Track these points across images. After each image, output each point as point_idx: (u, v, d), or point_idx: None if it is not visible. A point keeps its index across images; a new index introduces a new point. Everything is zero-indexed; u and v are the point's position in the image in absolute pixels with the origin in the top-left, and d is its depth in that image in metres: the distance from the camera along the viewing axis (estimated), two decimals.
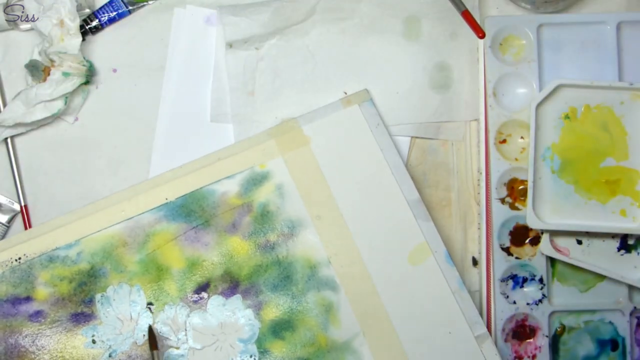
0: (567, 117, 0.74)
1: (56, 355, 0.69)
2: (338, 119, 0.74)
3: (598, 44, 0.76)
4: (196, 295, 0.70)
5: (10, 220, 0.76)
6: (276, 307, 0.70)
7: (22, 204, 0.76)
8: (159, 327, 0.70)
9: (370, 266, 0.71)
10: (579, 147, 0.74)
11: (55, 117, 0.75)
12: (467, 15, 0.73)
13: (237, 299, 0.70)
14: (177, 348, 0.69)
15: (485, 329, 0.70)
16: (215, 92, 0.77)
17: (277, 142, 0.73)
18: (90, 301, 0.70)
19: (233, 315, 0.70)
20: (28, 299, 0.69)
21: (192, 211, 0.71)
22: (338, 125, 0.73)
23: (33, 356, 0.69)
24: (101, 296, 0.70)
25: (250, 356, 0.69)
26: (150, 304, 0.70)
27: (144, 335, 0.69)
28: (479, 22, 0.73)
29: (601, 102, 0.74)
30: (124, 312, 0.70)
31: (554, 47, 0.76)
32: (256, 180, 0.72)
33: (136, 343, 0.69)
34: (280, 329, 0.70)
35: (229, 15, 0.76)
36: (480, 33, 0.72)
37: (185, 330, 0.70)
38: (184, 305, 0.70)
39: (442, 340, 0.70)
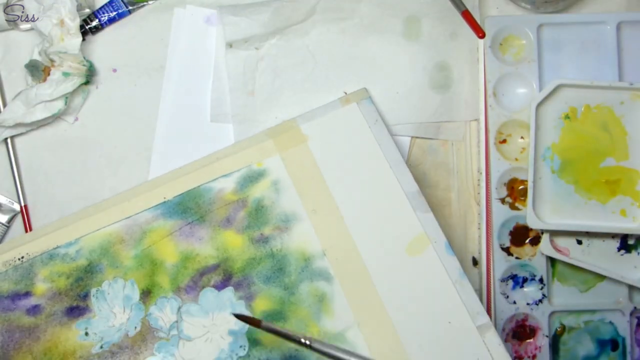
0: (567, 117, 0.74)
1: (49, 347, 0.69)
2: (336, 117, 0.74)
3: (598, 44, 0.76)
4: (188, 288, 0.70)
5: (10, 220, 0.76)
6: (268, 299, 0.70)
7: (22, 204, 0.76)
8: (150, 320, 0.70)
9: (366, 258, 0.71)
10: (579, 147, 0.74)
11: (55, 117, 0.75)
12: (467, 15, 0.72)
13: (229, 291, 0.70)
14: (168, 339, 0.69)
15: (487, 319, 0.69)
16: (215, 92, 0.77)
17: (274, 141, 0.73)
18: (86, 295, 0.70)
19: (224, 307, 0.70)
20: (27, 294, 0.70)
21: (188, 208, 0.71)
22: (336, 123, 0.73)
23: (28, 348, 0.69)
24: (96, 290, 0.70)
25: (240, 346, 0.69)
26: (146, 292, 0.70)
27: (135, 327, 0.69)
28: (479, 22, 0.73)
29: (601, 102, 0.74)
30: (118, 305, 0.70)
31: (554, 47, 0.76)
32: (252, 178, 0.72)
33: (127, 335, 0.69)
34: (271, 319, 0.70)
35: (229, 15, 0.76)
36: (480, 33, 0.72)
37: (177, 322, 0.70)
38: (175, 297, 0.70)
39: (441, 330, 0.69)
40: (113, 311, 0.70)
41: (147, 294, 0.70)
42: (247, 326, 0.69)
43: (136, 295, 0.70)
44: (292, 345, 0.69)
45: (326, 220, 0.71)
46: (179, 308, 0.70)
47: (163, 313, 0.70)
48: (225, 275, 0.71)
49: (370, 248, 0.71)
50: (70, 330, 0.69)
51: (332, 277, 0.70)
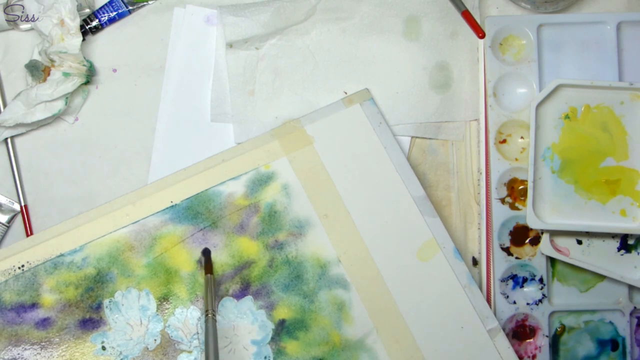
0: (567, 117, 0.74)
1: None
2: (340, 119, 0.74)
3: (598, 44, 0.76)
4: None
5: (10, 220, 0.76)
6: (288, 307, 0.70)
7: (22, 204, 0.76)
8: (170, 332, 0.69)
9: (379, 264, 0.71)
10: (579, 147, 0.74)
11: (56, 117, 0.75)
12: (467, 15, 0.73)
13: (248, 300, 0.70)
14: (190, 352, 0.69)
15: (497, 323, 0.71)
16: (215, 91, 0.77)
17: (280, 142, 0.73)
18: (99, 307, 0.69)
19: (245, 317, 0.70)
20: (33, 306, 0.69)
21: (199, 213, 0.71)
22: (340, 125, 0.73)
23: None
24: (109, 301, 0.69)
25: (265, 357, 0.69)
26: (163, 302, 0.70)
27: (155, 340, 0.69)
28: (479, 22, 0.73)
29: (601, 102, 0.74)
30: (134, 317, 0.69)
31: (554, 47, 0.76)
32: (262, 181, 0.72)
33: (147, 348, 0.69)
34: (293, 328, 0.70)
35: (229, 15, 0.76)
36: (480, 33, 0.72)
37: (197, 333, 0.69)
38: (194, 308, 0.70)
39: (454, 334, 0.70)
40: (129, 323, 0.69)
41: (164, 305, 0.70)
42: (269, 336, 0.70)
43: (153, 306, 0.69)
44: (316, 354, 0.69)
45: (338, 226, 0.71)
46: (199, 318, 0.70)
47: (183, 324, 0.69)
48: (243, 284, 0.70)
49: (382, 254, 0.71)
50: (85, 344, 0.68)
51: (349, 284, 0.71)
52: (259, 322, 0.70)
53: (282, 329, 0.70)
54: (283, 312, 0.70)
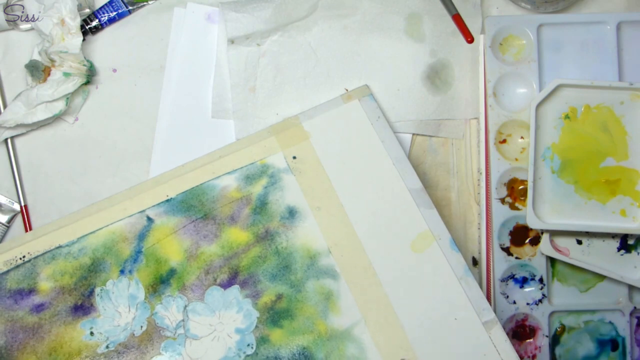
0: (567, 117, 0.74)
1: (54, 347, 0.69)
2: (338, 114, 0.74)
3: (598, 44, 0.76)
4: (194, 287, 0.70)
5: (10, 220, 0.76)
6: (274, 296, 0.70)
7: (22, 204, 0.76)
8: (156, 319, 0.69)
9: (372, 255, 0.71)
10: (579, 147, 0.74)
11: (56, 118, 0.75)
12: (457, 19, 0.73)
13: (235, 289, 0.70)
14: (175, 338, 0.69)
15: (493, 315, 0.69)
16: (216, 88, 0.77)
17: (277, 138, 0.73)
18: (90, 294, 0.70)
19: (231, 306, 0.70)
20: (30, 292, 0.69)
21: (192, 206, 0.71)
22: (338, 120, 0.73)
23: (32, 349, 0.69)
24: (100, 290, 0.70)
25: (248, 345, 0.69)
26: (151, 290, 0.70)
27: (141, 326, 0.69)
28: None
29: (601, 102, 0.74)
30: (123, 304, 0.70)
31: (554, 47, 0.76)
32: (256, 175, 0.72)
33: (133, 334, 0.69)
34: (278, 317, 0.70)
35: (230, 11, 0.76)
36: (469, 37, 0.72)
37: (183, 320, 0.70)
38: (181, 296, 0.70)
39: (447, 326, 0.69)
40: (118, 310, 0.70)
41: (152, 293, 0.70)
42: (254, 324, 0.69)
43: (141, 294, 0.70)
44: (301, 342, 0.69)
45: (330, 218, 0.71)
46: (185, 307, 0.70)
47: (169, 312, 0.70)
48: (231, 273, 0.71)
49: (375, 245, 0.71)
50: (75, 330, 0.69)
51: (338, 275, 0.71)
52: (244, 311, 0.70)
53: (267, 318, 0.70)
54: (269, 301, 0.70)
